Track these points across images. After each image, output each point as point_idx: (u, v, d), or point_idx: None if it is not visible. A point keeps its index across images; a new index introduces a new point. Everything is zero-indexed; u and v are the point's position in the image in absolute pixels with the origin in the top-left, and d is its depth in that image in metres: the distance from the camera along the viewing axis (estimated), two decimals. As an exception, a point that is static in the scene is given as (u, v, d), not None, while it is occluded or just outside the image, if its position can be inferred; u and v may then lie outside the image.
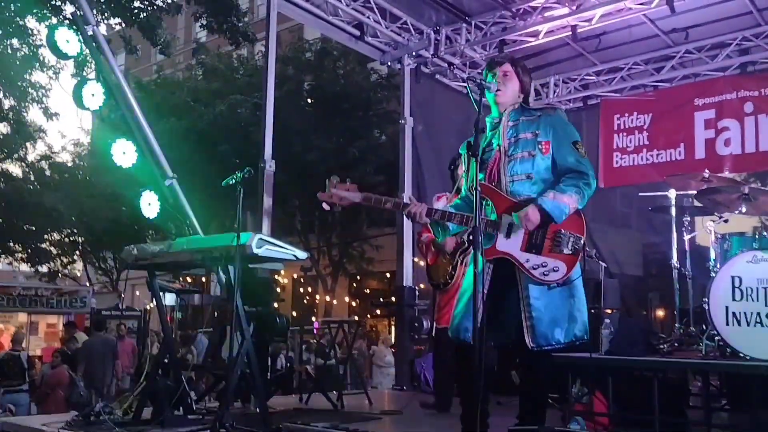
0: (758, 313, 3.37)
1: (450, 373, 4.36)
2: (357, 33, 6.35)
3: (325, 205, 2.78)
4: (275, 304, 5.72)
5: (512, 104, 2.93)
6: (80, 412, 3.83)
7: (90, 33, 4.34)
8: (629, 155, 7.13)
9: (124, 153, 4.34)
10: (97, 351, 8.61)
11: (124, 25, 10.78)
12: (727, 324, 3.44)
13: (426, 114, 6.86)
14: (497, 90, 2.87)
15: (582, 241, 2.73)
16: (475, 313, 2.39)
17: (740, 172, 6.24)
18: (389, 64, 6.87)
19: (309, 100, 17.35)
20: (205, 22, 10.45)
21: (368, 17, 6.22)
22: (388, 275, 17.93)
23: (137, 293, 22.60)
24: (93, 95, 4.19)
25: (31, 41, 11.15)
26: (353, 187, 2.76)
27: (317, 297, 19.57)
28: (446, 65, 6.94)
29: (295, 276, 16.61)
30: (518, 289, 2.74)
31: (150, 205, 4.43)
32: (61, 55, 4.26)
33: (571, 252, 2.70)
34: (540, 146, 2.80)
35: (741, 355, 3.37)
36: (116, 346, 8.85)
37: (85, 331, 11.85)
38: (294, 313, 14.87)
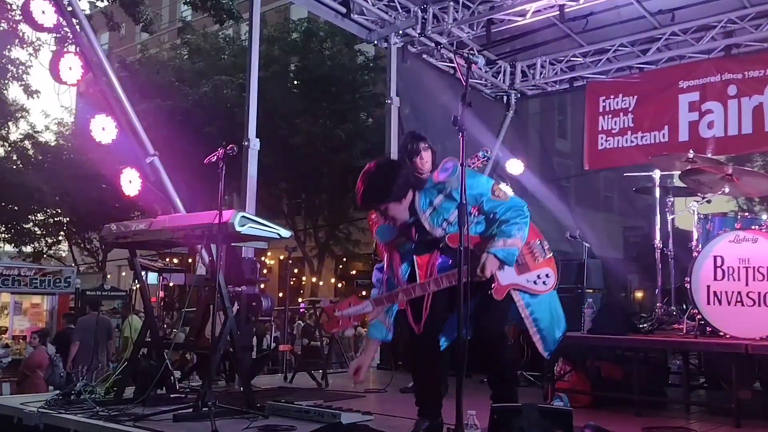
0: (739, 293, 3.41)
1: None
2: (343, 10, 6.24)
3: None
4: (261, 285, 5.68)
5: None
6: (62, 391, 3.79)
7: (68, 5, 4.22)
8: (614, 137, 7.13)
9: (103, 129, 4.26)
10: (91, 330, 8.51)
11: (105, 1, 10.55)
12: (709, 303, 3.49)
13: (413, 95, 6.79)
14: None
15: (547, 243, 2.91)
16: (460, 311, 2.50)
17: (722, 154, 6.26)
18: (376, 42, 6.77)
19: (295, 82, 17.16)
20: (189, -1, 10.26)
21: (355, -7, 6.12)
22: (373, 257, 17.94)
23: (123, 274, 22.47)
24: (70, 68, 4.08)
25: (9, 16, 10.87)
26: (354, 299, 2.77)
27: (303, 278, 19.56)
28: (433, 45, 6.86)
29: (281, 258, 16.58)
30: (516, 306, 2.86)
31: (131, 182, 4.36)
32: (36, 27, 4.13)
33: (547, 257, 2.88)
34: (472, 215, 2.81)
35: (721, 333, 3.42)
36: (111, 325, 8.78)
37: (71, 311, 11.76)
38: (280, 294, 14.84)
